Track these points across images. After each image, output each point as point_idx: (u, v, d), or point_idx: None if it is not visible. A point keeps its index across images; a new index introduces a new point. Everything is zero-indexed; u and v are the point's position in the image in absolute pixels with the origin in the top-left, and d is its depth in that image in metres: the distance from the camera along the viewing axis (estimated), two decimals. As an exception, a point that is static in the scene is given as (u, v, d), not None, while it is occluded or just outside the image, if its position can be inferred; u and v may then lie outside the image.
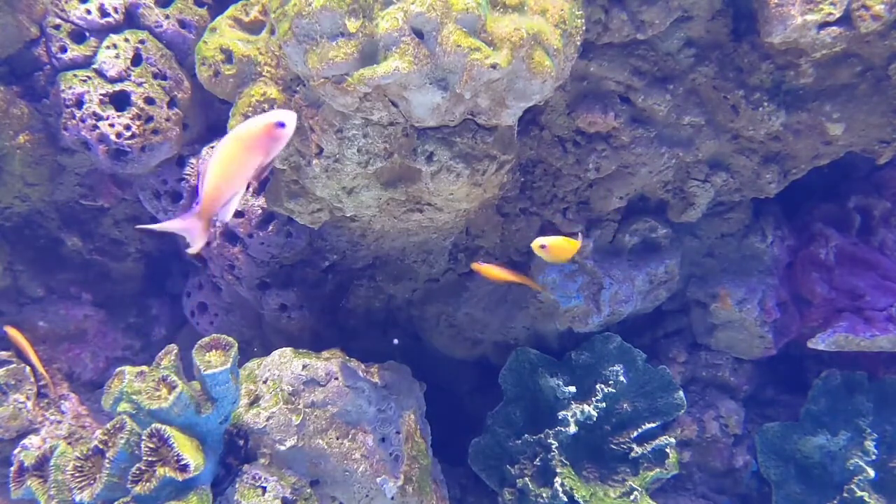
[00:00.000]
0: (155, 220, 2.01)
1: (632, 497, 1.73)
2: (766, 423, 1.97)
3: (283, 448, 1.46)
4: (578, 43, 1.35)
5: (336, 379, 1.57)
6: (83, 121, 1.69)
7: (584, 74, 1.62)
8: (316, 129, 1.37)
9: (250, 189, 1.77)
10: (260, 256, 1.81)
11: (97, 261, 2.06)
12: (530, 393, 1.89)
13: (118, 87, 1.71)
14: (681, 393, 1.85)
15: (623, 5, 1.51)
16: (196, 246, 1.11)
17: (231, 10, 1.52)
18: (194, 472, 1.27)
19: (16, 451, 1.72)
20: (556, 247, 1.57)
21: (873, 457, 1.80)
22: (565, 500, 1.69)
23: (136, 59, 1.74)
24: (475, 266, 1.68)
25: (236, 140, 1.07)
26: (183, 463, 1.27)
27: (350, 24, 1.20)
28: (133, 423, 1.29)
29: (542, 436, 1.77)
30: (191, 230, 1.10)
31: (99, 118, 1.69)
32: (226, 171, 1.07)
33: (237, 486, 1.41)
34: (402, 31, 1.18)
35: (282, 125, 1.07)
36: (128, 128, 1.70)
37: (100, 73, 1.72)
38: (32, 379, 1.85)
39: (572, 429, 1.73)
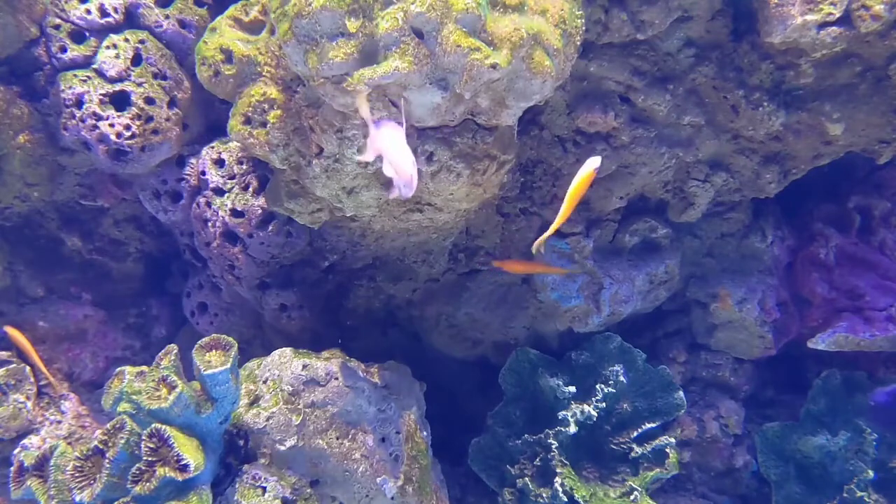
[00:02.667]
0: (155, 220, 2.01)
1: (632, 497, 1.73)
2: (766, 423, 1.97)
3: (283, 448, 1.46)
4: (578, 43, 1.35)
5: (336, 379, 1.57)
6: (83, 121, 1.69)
7: (584, 74, 1.62)
8: (316, 129, 1.37)
9: (250, 189, 1.78)
10: (260, 256, 1.81)
11: (97, 261, 2.06)
12: (530, 393, 1.89)
13: (118, 87, 1.71)
14: (681, 393, 1.85)
15: (623, 5, 1.51)
16: (366, 154, 1.18)
17: (231, 10, 1.52)
18: (194, 472, 1.27)
19: (16, 451, 1.72)
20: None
21: (873, 457, 1.80)
22: (565, 500, 1.69)
23: (136, 59, 1.74)
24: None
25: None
26: (183, 463, 1.27)
27: (350, 24, 1.20)
28: (133, 423, 1.29)
29: (542, 436, 1.77)
30: (375, 141, 1.15)
31: (99, 118, 1.69)
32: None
33: (237, 486, 1.40)
34: (403, 30, 1.17)
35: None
36: (128, 128, 1.70)
37: (100, 73, 1.71)
38: (32, 379, 1.85)
39: (572, 429, 1.73)
